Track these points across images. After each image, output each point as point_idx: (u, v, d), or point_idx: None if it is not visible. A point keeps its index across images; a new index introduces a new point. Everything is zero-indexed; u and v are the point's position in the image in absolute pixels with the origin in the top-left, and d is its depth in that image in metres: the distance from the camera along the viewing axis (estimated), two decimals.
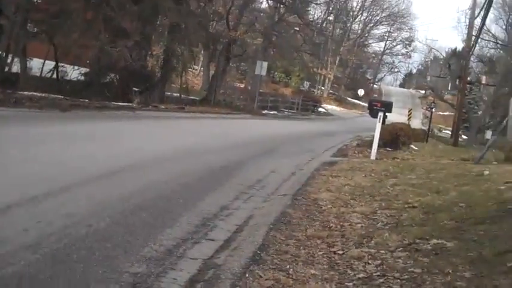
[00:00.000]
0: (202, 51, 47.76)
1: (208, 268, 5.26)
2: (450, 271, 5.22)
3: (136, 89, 27.44)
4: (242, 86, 57.15)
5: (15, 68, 24.49)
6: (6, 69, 23.95)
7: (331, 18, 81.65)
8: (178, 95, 35.48)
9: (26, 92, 20.90)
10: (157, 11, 27.82)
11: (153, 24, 28.36)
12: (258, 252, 5.70)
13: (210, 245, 6.08)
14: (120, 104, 24.61)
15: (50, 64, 26.33)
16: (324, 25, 78.28)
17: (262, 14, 53.14)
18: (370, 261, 5.69)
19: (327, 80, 77.35)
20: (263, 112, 43.66)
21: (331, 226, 7.17)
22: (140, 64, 27.26)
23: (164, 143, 14.68)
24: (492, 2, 34.02)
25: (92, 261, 5.03)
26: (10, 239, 5.29)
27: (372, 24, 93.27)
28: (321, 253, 5.93)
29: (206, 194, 8.75)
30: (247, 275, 5.01)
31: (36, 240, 5.33)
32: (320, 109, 61.51)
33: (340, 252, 6.00)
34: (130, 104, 25.34)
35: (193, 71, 56.42)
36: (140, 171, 9.86)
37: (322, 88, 78.37)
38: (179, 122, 23.14)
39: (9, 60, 23.78)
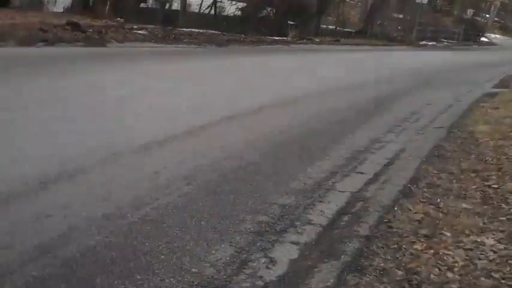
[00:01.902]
0: None
1: (356, 201, 5.25)
2: None
3: (292, 23, 27.50)
4: (401, 16, 55.43)
5: (176, 5, 25.36)
6: (167, 6, 24.86)
7: None
8: (333, 27, 35.17)
9: (184, 29, 21.64)
10: None
11: None
12: (408, 185, 5.60)
13: (359, 178, 6.06)
14: (275, 38, 24.80)
15: (208, 0, 27.00)
16: None
17: None
18: None
19: (492, 7, 72.99)
20: (421, 43, 42.31)
21: (487, 159, 6.87)
22: None
23: (319, 77, 14.68)
24: None
25: (242, 193, 5.19)
26: (168, 169, 5.56)
27: None
28: (475, 187, 5.71)
29: (358, 127, 8.71)
30: (395, 208, 4.94)
31: (191, 172, 5.57)
32: (483, 39, 58.50)
33: (495, 186, 5.75)
34: (285, 38, 25.47)
35: (351, 2, 55.43)
36: (301, 103, 9.99)
37: (487, 16, 74.10)
38: (335, 55, 22.94)
39: None
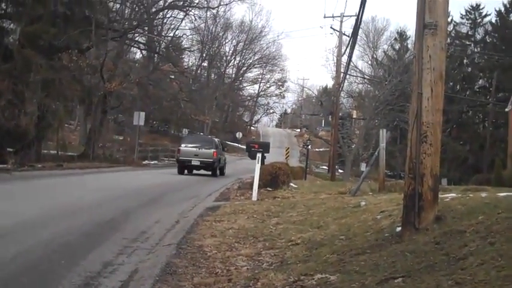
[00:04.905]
0: (78, 106, 46.92)
1: None
2: None
3: (11, 149, 26.57)
4: (121, 138, 56.49)
5: None
6: None
7: (205, 64, 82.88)
8: (55, 152, 34.62)
9: None
10: (29, 68, 27.21)
11: (25, 81, 27.62)
12: None
13: None
14: None
15: None
16: (199, 71, 79.36)
17: (136, 65, 53.16)
18: None
19: (205, 126, 77.89)
20: (144, 163, 43.38)
21: (217, 272, 7.20)
22: (13, 123, 26.49)
23: (43, 202, 14.19)
24: (356, 39, 35.81)
25: None
26: None
27: (245, 68, 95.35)
28: None
29: (89, 251, 8.56)
30: None
31: None
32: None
33: None
34: (4, 165, 24.44)
35: (70, 126, 55.27)
36: (21, 234, 9.49)
37: (201, 134, 78.74)
38: (58, 180, 22.48)
39: None
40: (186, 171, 32.57)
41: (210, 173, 32.07)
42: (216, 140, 36.56)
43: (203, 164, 31.74)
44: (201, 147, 32.16)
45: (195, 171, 32.65)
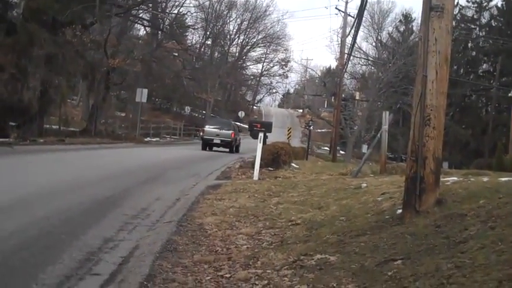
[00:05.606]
0: (81, 81, 46.84)
1: None
2: (334, 285, 5.37)
3: (13, 124, 26.58)
4: (123, 114, 56.43)
5: None
6: None
7: (209, 42, 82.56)
8: (58, 127, 34.65)
9: None
10: (33, 42, 27.14)
11: (28, 55, 27.56)
12: (145, 283, 5.65)
13: (95, 280, 5.96)
14: None
15: None
16: (203, 49, 79.06)
17: (140, 41, 52.98)
18: (257, 282, 5.77)
19: (207, 104, 77.75)
20: (146, 139, 43.44)
21: (218, 250, 7.23)
22: (16, 97, 26.48)
23: (44, 177, 14.20)
24: (361, 21, 35.66)
25: None
26: None
27: (249, 47, 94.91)
28: (209, 278, 5.95)
29: (90, 227, 8.58)
30: None
31: None
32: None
33: (228, 275, 6.05)
34: (6, 139, 24.46)
35: (73, 101, 55.20)
36: (21, 208, 9.51)
37: (204, 112, 78.66)
38: (60, 155, 22.50)
39: None
40: (207, 148, 37.73)
41: (227, 150, 37.62)
42: (233, 123, 45.71)
43: (223, 143, 37.62)
44: (221, 128, 38.25)
45: (214, 148, 37.82)
